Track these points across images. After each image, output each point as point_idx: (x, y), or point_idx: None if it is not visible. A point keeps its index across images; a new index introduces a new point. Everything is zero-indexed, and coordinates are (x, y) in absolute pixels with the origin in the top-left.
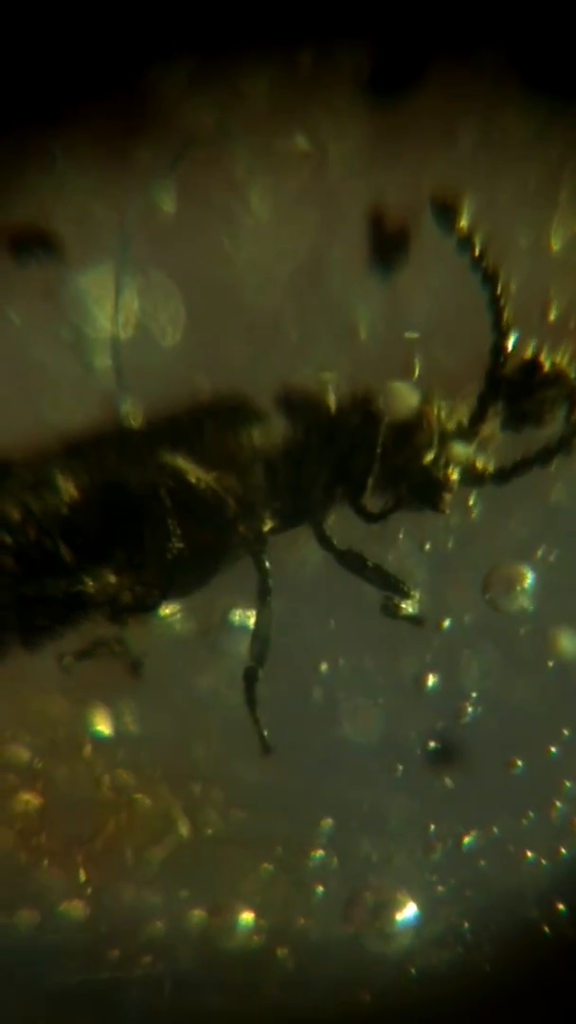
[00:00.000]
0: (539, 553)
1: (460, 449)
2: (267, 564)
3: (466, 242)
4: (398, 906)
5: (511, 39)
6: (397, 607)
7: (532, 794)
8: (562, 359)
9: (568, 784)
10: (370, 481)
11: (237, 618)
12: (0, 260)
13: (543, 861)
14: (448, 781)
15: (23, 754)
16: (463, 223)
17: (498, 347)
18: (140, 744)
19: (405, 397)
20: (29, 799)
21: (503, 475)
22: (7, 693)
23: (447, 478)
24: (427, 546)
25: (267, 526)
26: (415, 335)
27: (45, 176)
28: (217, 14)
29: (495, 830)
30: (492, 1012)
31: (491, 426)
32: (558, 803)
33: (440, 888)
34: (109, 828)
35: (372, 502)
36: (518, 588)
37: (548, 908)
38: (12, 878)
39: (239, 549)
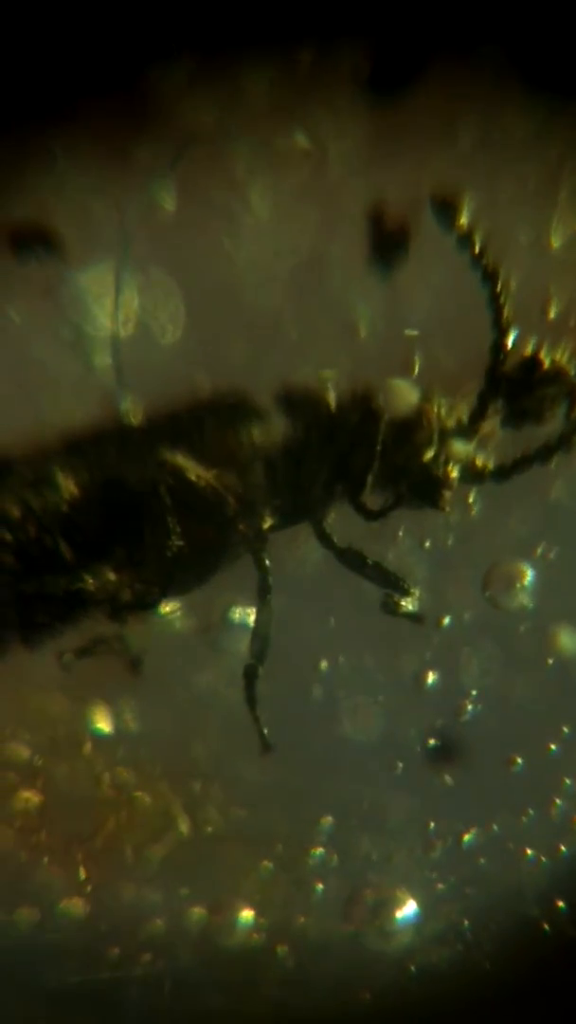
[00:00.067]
0: (539, 550)
1: (460, 447)
2: (267, 562)
3: (466, 240)
4: (398, 904)
5: (511, 37)
6: (397, 605)
7: (532, 791)
8: (562, 356)
9: (568, 782)
10: (370, 479)
11: (237, 616)
12: (0, 258)
13: (543, 859)
14: (448, 779)
15: (23, 752)
16: (463, 221)
17: (498, 345)
18: (140, 742)
19: (405, 395)
20: (29, 797)
21: (503, 472)
22: (7, 690)
23: (447, 476)
24: (427, 544)
25: (267, 524)
26: (415, 333)
27: (45, 174)
28: (217, 13)
29: (495, 828)
30: (492, 1010)
31: (491, 424)
32: (558, 800)
33: (440, 886)
34: (109, 826)
35: (372, 500)
36: (518, 585)
37: (548, 906)
38: (12, 876)
39: (239, 547)
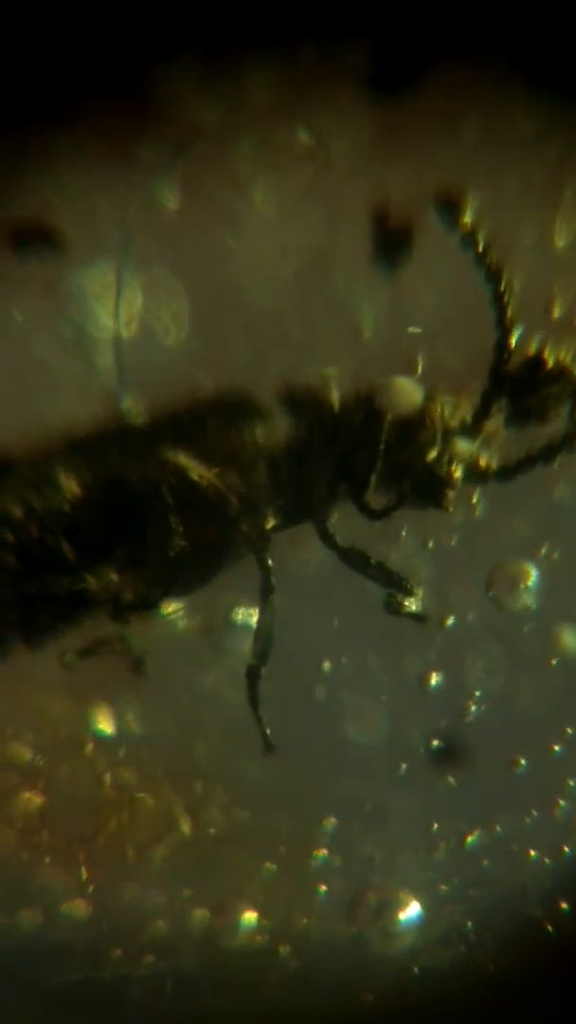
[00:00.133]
0: (543, 550)
1: (463, 446)
2: (270, 562)
3: (470, 238)
4: (401, 905)
5: (515, 36)
6: (400, 605)
7: (535, 793)
8: (566, 355)
9: (572, 783)
10: (373, 478)
11: (240, 616)
12: (2, 256)
13: (546, 860)
14: (451, 780)
15: (25, 752)
16: (467, 219)
17: (502, 343)
18: (142, 743)
19: (408, 394)
20: (31, 798)
21: (507, 472)
22: (9, 691)
23: (450, 475)
24: (430, 543)
25: (270, 524)
26: (418, 331)
27: (47, 172)
28: (220, 11)
29: (498, 829)
30: (495, 1012)
31: (495, 423)
32: (561, 802)
33: (443, 887)
34: (111, 827)
35: (375, 499)
36: (522, 586)
37: (552, 907)
38: (14, 877)
39: (242, 547)
